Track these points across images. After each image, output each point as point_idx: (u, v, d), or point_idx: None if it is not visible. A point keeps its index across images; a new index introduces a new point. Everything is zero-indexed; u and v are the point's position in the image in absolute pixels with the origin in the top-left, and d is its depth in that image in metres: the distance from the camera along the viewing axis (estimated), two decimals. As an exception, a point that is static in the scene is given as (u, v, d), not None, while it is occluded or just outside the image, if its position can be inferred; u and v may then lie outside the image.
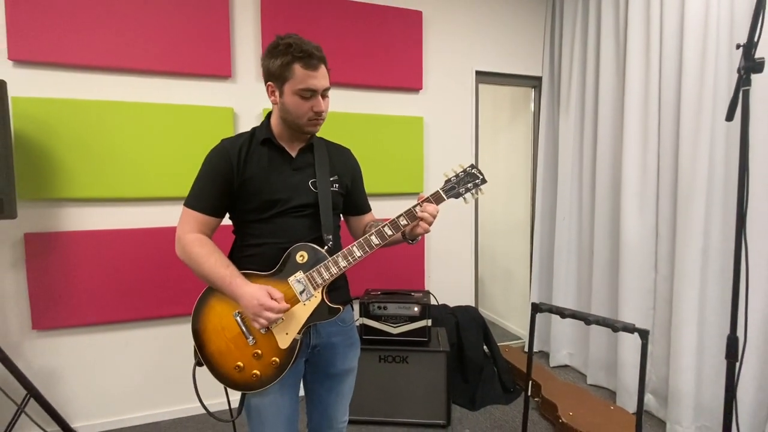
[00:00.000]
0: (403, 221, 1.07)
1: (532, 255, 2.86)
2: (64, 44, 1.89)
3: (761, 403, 1.66)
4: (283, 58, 1.01)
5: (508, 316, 3.35)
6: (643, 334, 1.49)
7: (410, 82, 2.46)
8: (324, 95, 1.06)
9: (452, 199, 1.12)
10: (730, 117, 1.20)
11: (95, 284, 1.97)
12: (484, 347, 2.43)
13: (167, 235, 2.03)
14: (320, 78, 1.04)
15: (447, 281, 2.66)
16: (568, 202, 2.60)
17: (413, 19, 2.44)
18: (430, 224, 1.08)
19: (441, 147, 2.59)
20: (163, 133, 2.03)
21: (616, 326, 1.51)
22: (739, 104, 1.06)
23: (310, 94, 1.03)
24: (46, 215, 1.93)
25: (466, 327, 2.36)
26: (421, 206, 1.07)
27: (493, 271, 3.58)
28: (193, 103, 2.09)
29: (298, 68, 1.01)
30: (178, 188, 2.07)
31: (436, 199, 1.09)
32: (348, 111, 2.32)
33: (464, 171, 1.13)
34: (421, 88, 2.50)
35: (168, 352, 2.13)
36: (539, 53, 2.81)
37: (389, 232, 1.07)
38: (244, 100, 2.18)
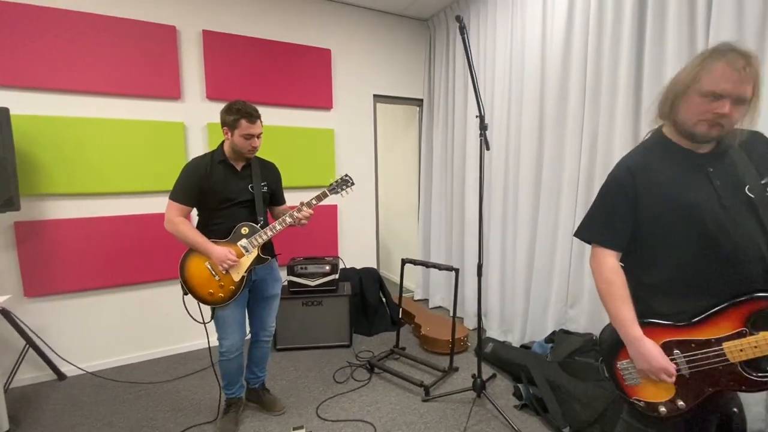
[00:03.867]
0: (291, 217, 1.89)
1: (419, 230, 3.91)
2: (42, 72, 2.40)
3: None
4: (235, 115, 1.81)
5: (406, 276, 4.40)
6: (456, 271, 2.54)
7: (323, 103, 3.28)
8: (258, 137, 1.87)
9: (334, 195, 2.00)
10: (487, 148, 2.24)
11: (72, 261, 2.56)
12: (381, 295, 3.42)
13: (130, 221, 2.71)
14: (256, 128, 1.85)
15: (355, 250, 3.58)
16: (438, 192, 3.66)
17: (324, 55, 3.25)
18: (305, 219, 1.89)
19: (348, 151, 3.46)
20: (127, 143, 2.64)
21: (440, 267, 2.55)
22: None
23: (250, 137, 1.84)
24: (32, 207, 2.45)
25: (367, 281, 3.31)
26: (298, 211, 1.89)
27: (397, 243, 4.61)
28: (150, 118, 2.71)
29: (243, 122, 1.81)
30: (138, 185, 2.69)
31: (323, 195, 1.96)
32: (277, 125, 3.07)
33: (341, 178, 2.02)
34: (331, 107, 3.34)
35: (135, 311, 2.78)
36: (421, 81, 3.79)
37: (289, 220, 1.90)
38: (192, 117, 2.84)
